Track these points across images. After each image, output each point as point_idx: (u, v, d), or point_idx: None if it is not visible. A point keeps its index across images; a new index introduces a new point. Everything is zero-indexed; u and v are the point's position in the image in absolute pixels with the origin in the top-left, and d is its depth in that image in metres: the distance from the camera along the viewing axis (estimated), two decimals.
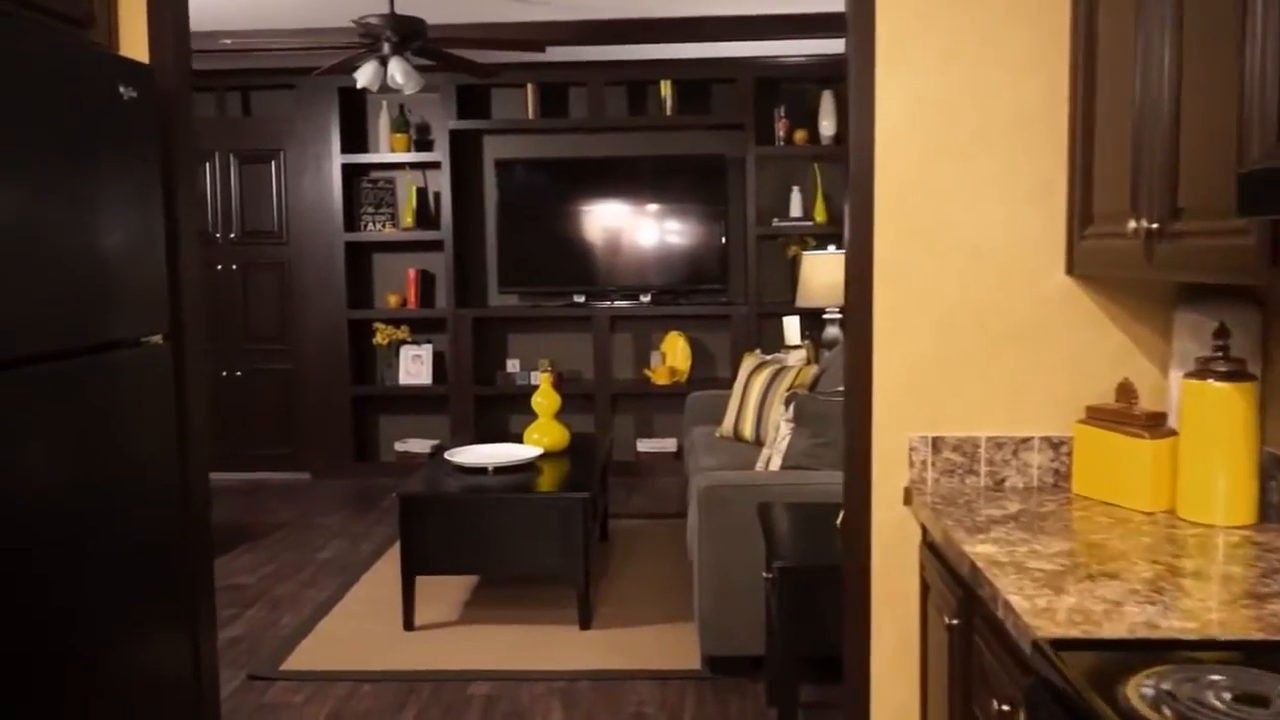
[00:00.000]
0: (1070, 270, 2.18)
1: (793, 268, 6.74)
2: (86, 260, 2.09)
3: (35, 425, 1.95)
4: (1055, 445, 2.22)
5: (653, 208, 6.70)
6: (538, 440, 4.66)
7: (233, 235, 6.76)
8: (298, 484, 6.68)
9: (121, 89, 2.11)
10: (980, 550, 1.78)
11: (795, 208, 6.67)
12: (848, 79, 2.30)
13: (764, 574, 3.18)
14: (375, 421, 7.07)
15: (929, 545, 2.18)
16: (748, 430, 4.90)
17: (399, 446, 6.90)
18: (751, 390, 4.95)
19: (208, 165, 6.73)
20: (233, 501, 6.20)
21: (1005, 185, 2.19)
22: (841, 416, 3.70)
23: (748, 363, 5.14)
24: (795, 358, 5.16)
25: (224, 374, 6.82)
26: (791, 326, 6.07)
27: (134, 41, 2.37)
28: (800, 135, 6.57)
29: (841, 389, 4.14)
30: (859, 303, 2.28)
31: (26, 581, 1.91)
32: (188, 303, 2.46)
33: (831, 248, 5.76)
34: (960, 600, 1.88)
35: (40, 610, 1.95)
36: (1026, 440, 2.22)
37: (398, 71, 4.44)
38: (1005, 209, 2.20)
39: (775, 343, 6.65)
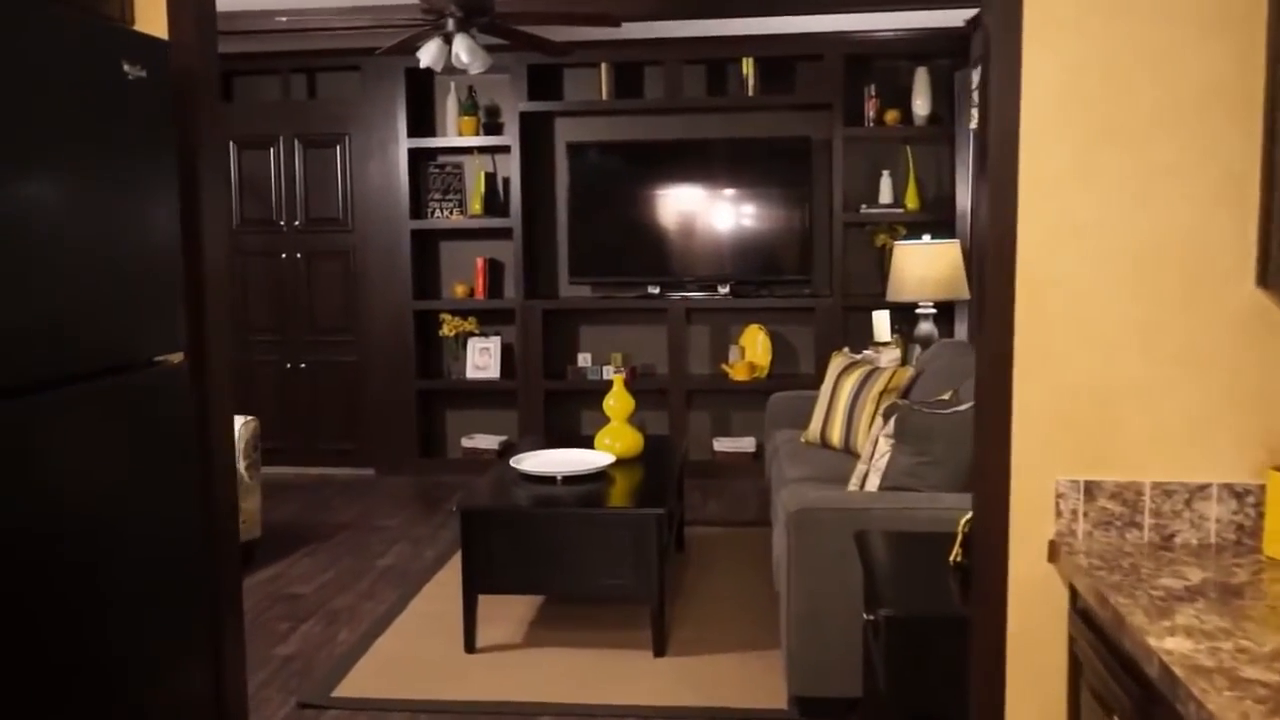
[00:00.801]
0: (1263, 282, 1.77)
1: (881, 258, 6.31)
2: (75, 266, 1.80)
3: (28, 461, 1.67)
4: (1239, 495, 1.82)
5: (732, 193, 6.32)
6: (609, 446, 4.33)
7: (297, 223, 6.54)
8: (361, 481, 6.46)
9: (126, 67, 1.82)
10: (1172, 646, 1.40)
11: (885, 194, 6.23)
12: (987, 45, 1.91)
13: (864, 615, 2.81)
14: (441, 416, 6.82)
15: (1080, 613, 1.80)
16: (836, 436, 4.52)
17: (465, 442, 6.64)
18: (841, 393, 4.57)
19: (271, 151, 6.51)
20: (296, 499, 5.99)
21: (1185, 176, 1.79)
22: (949, 431, 3.33)
23: (836, 362, 4.75)
24: (888, 358, 4.76)
25: (288, 366, 6.62)
26: (881, 322, 5.65)
27: (151, 16, 2.08)
28: (891, 116, 6.13)
29: (945, 397, 3.75)
30: (996, 315, 1.90)
31: (35, 621, 1.64)
32: (213, 312, 2.17)
33: (926, 237, 5.34)
34: (1137, 702, 1.50)
35: (54, 650, 1.68)
36: (1203, 488, 1.82)
37: (463, 50, 4.13)
38: (1185, 206, 1.79)
39: (862, 338, 6.22)
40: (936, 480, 3.23)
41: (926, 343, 5.34)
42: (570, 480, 4.00)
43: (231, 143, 6.52)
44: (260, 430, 6.50)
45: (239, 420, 4.73)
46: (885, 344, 5.57)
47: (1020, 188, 1.86)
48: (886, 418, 3.38)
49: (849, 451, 4.49)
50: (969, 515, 2.55)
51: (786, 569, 3.18)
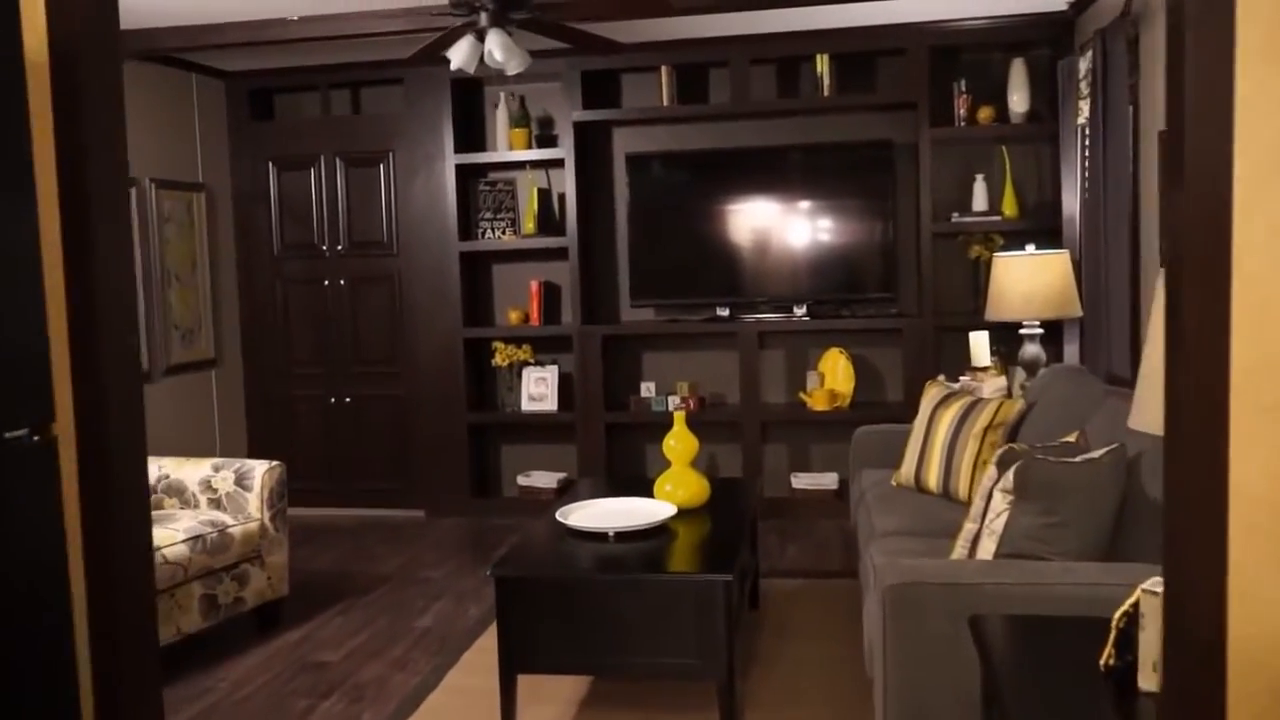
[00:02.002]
0: None
1: (975, 272, 5.67)
2: None
3: None
4: None
5: (807, 205, 5.74)
6: (671, 494, 3.77)
7: (340, 247, 6.13)
8: (410, 524, 5.99)
9: None
10: None
11: (979, 200, 5.60)
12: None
13: None
14: (495, 452, 6.33)
15: None
16: (933, 479, 3.91)
17: (522, 480, 6.14)
18: (938, 429, 3.95)
19: (311, 171, 6.11)
20: (336, 546, 5.54)
21: None
22: (1083, 485, 2.71)
23: (931, 393, 4.14)
24: (991, 387, 4.13)
25: (332, 400, 6.20)
26: (979, 344, 5.01)
27: None
28: (985, 113, 5.50)
29: (1070, 439, 3.12)
30: (1202, 338, 1.31)
31: None
32: (115, 376, 1.68)
33: (1030, 247, 4.69)
34: None
35: None
36: None
37: (496, 47, 3.64)
38: None
39: (957, 362, 5.59)
40: (1068, 546, 2.61)
41: (1032, 368, 4.69)
42: (624, 537, 3.45)
43: (271, 163, 6.14)
44: (288, 475, 6.07)
45: (261, 466, 4.28)
46: (985, 369, 4.93)
47: (1235, 177, 1.27)
48: (1001, 467, 2.77)
49: (948, 497, 3.88)
50: (1128, 604, 1.95)
51: (882, 654, 2.58)
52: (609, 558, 3.33)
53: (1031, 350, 4.72)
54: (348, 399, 6.18)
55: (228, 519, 4.12)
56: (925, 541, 3.45)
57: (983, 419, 3.83)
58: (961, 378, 4.96)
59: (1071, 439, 2.98)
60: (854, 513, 4.30)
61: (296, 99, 6.33)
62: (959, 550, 2.88)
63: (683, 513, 3.73)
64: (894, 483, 4.13)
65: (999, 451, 2.82)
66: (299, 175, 6.13)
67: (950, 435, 3.89)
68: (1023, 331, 4.74)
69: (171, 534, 3.87)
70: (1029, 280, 4.60)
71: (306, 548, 5.53)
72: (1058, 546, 2.61)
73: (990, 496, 2.79)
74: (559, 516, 3.59)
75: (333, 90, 6.20)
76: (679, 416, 3.83)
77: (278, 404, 6.25)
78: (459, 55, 3.74)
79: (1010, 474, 2.64)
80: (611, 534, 3.45)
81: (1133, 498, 2.72)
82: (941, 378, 4.42)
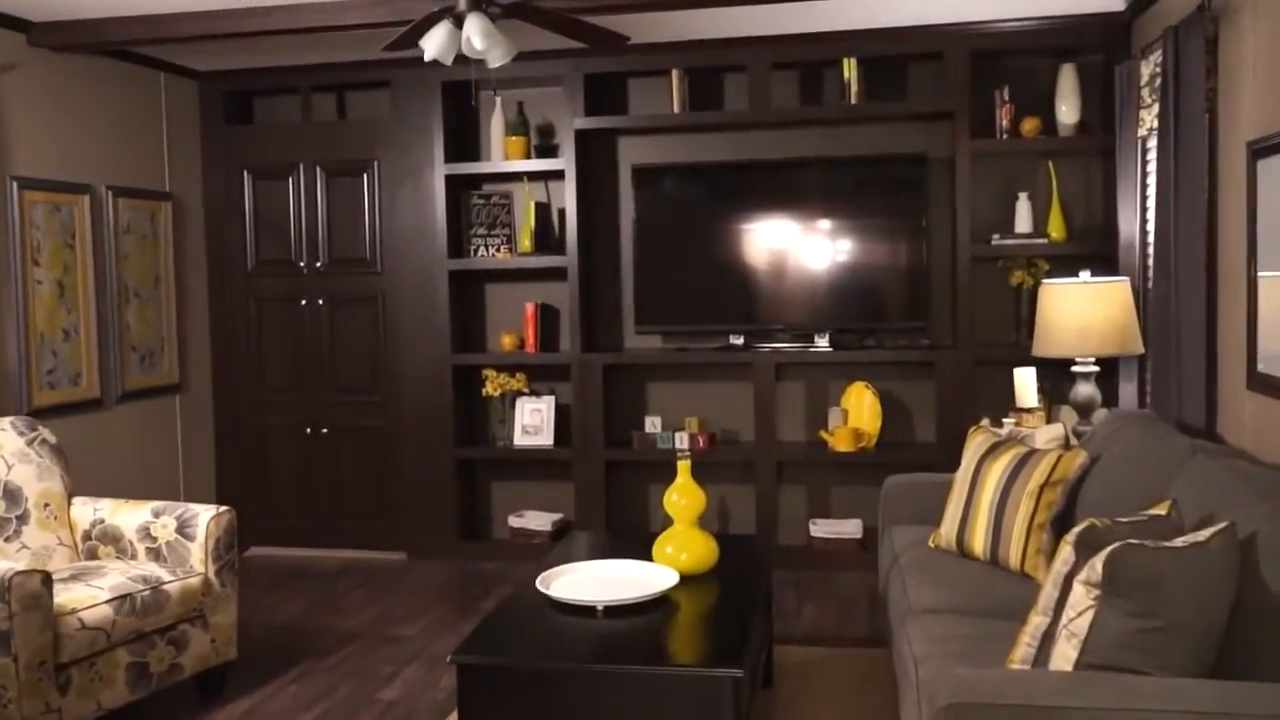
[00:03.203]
0: None
1: (1017, 301, 5.12)
2: None
3: None
4: None
5: (831, 224, 5.21)
6: (672, 557, 3.23)
7: (319, 264, 5.61)
8: (389, 568, 5.45)
9: None
10: None
11: (1022, 221, 5.05)
12: None
13: None
14: (485, 490, 5.79)
15: None
16: (979, 544, 3.35)
17: (514, 521, 5.60)
18: (984, 484, 3.40)
19: (290, 180, 5.61)
20: (305, 594, 5.00)
21: None
22: (1190, 578, 2.12)
23: (976, 441, 3.58)
24: (1047, 435, 3.57)
25: (308, 430, 5.67)
26: (1025, 382, 4.46)
27: None
28: (1030, 125, 4.96)
29: (1159, 512, 2.56)
30: None
31: None
32: None
33: (1085, 274, 4.13)
34: None
35: None
36: None
37: (475, 33, 3.12)
38: None
39: (995, 400, 5.04)
40: (1172, 658, 2.06)
41: (1086, 410, 4.13)
42: (615, 613, 2.90)
43: (246, 172, 5.64)
44: (260, 511, 5.59)
45: (206, 512, 3.75)
46: (1031, 410, 4.37)
47: None
48: (1082, 550, 2.22)
49: (997, 564, 3.32)
50: None
51: None
52: (596, 640, 2.78)
53: (1085, 391, 4.16)
54: (324, 429, 5.65)
55: (164, 574, 3.59)
56: (975, 623, 2.89)
57: (1038, 474, 3.27)
58: (1005, 420, 4.41)
59: (1161, 511, 2.42)
60: (884, 576, 3.74)
61: (276, 102, 5.84)
62: (1024, 648, 2.32)
63: (686, 580, 3.18)
64: (932, 544, 3.57)
65: (1078, 529, 2.27)
66: (276, 185, 5.63)
67: (999, 492, 3.33)
68: (1075, 369, 4.18)
69: (93, 594, 3.34)
70: (1084, 312, 4.04)
71: (273, 594, 4.99)
72: (1159, 658, 2.05)
73: (1066, 585, 2.23)
74: (540, 584, 3.04)
75: (315, 93, 5.70)
76: (683, 467, 3.28)
77: (249, 434, 5.73)
78: (433, 43, 3.22)
79: (1098, 562, 2.08)
80: (600, 608, 2.90)
81: (1248, 594, 2.16)
82: (986, 422, 3.87)
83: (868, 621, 4.43)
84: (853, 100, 5.09)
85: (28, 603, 3.07)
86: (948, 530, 3.50)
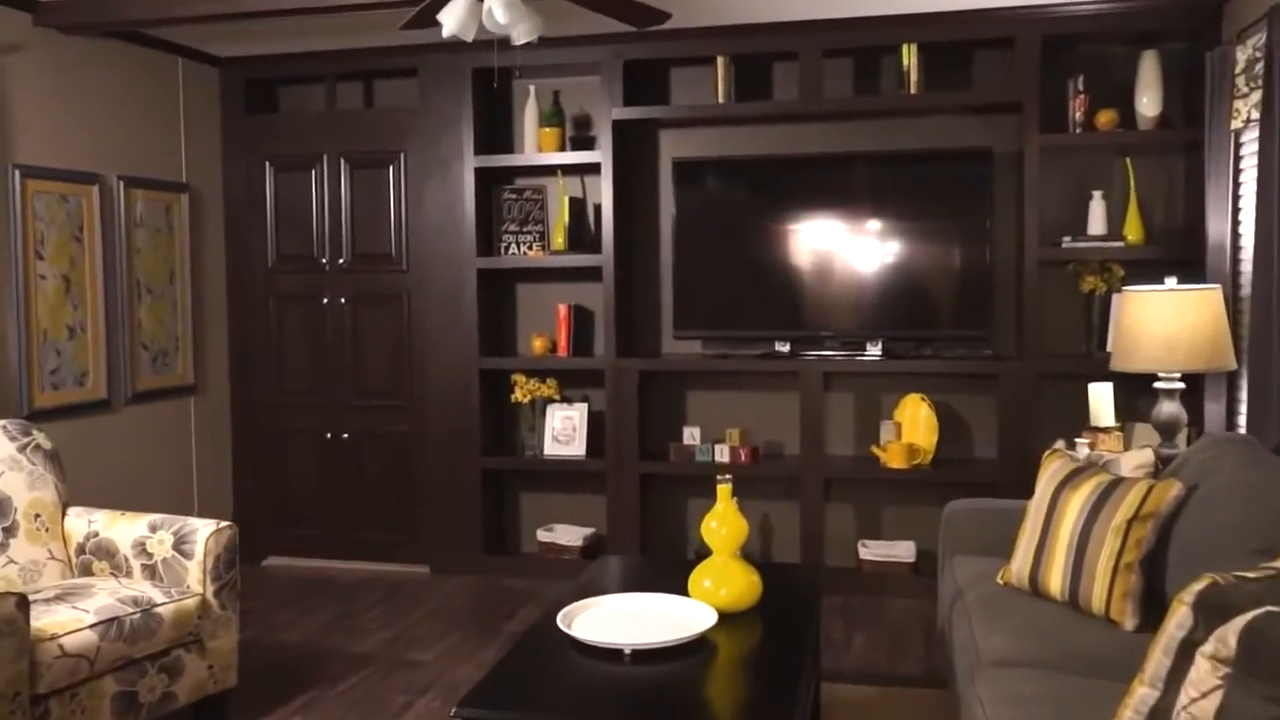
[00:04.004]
0: None
1: (1089, 309, 4.72)
2: None
3: None
4: None
5: (885, 224, 4.84)
6: (710, 592, 2.88)
7: (342, 261, 5.33)
8: (411, 582, 5.15)
9: None
10: None
11: (1095, 222, 4.65)
12: None
13: None
14: (513, 502, 5.48)
15: None
16: (1056, 583, 2.97)
17: (542, 536, 5.28)
18: (1063, 517, 3.02)
19: (313, 172, 5.33)
20: (321, 612, 4.71)
21: None
22: None
23: (1052, 466, 3.21)
24: (1133, 462, 3.18)
25: (328, 436, 5.39)
26: (1101, 399, 4.06)
27: None
28: (1105, 118, 4.56)
29: None
30: None
31: None
32: None
33: (1171, 280, 3.74)
34: None
35: None
36: None
37: (498, 5, 2.79)
38: None
39: (1064, 416, 4.65)
40: None
41: (1170, 431, 3.74)
42: (645, 657, 2.56)
43: (268, 163, 5.37)
44: (281, 520, 5.34)
45: (206, 528, 3.46)
46: (1108, 430, 3.98)
47: None
48: (1203, 613, 1.85)
49: (1076, 607, 2.94)
50: None
51: None
52: (622, 690, 2.44)
53: (1169, 410, 3.76)
54: (345, 435, 5.37)
55: (157, 595, 3.30)
56: (1056, 680, 2.52)
57: (1125, 507, 2.89)
58: (1078, 441, 4.02)
59: None
60: (946, 612, 3.37)
61: (300, 91, 5.57)
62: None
63: (725, 618, 2.83)
64: (1001, 580, 3.20)
65: (1198, 588, 1.90)
66: (298, 177, 5.35)
67: (1080, 525, 2.95)
68: (1158, 385, 3.78)
69: (77, 617, 3.06)
70: (1170, 322, 3.65)
71: (286, 610, 4.71)
72: None
73: (1184, 655, 1.86)
74: (561, 622, 2.71)
75: (341, 82, 5.42)
76: (724, 492, 2.94)
77: (267, 438, 5.46)
78: (452, 17, 2.90)
79: (1230, 634, 1.71)
80: (628, 652, 2.57)
81: None
82: (1060, 444, 3.48)
83: (924, 657, 4.06)
84: (912, 90, 4.71)
85: (0, 629, 2.79)
86: (1020, 566, 3.13)
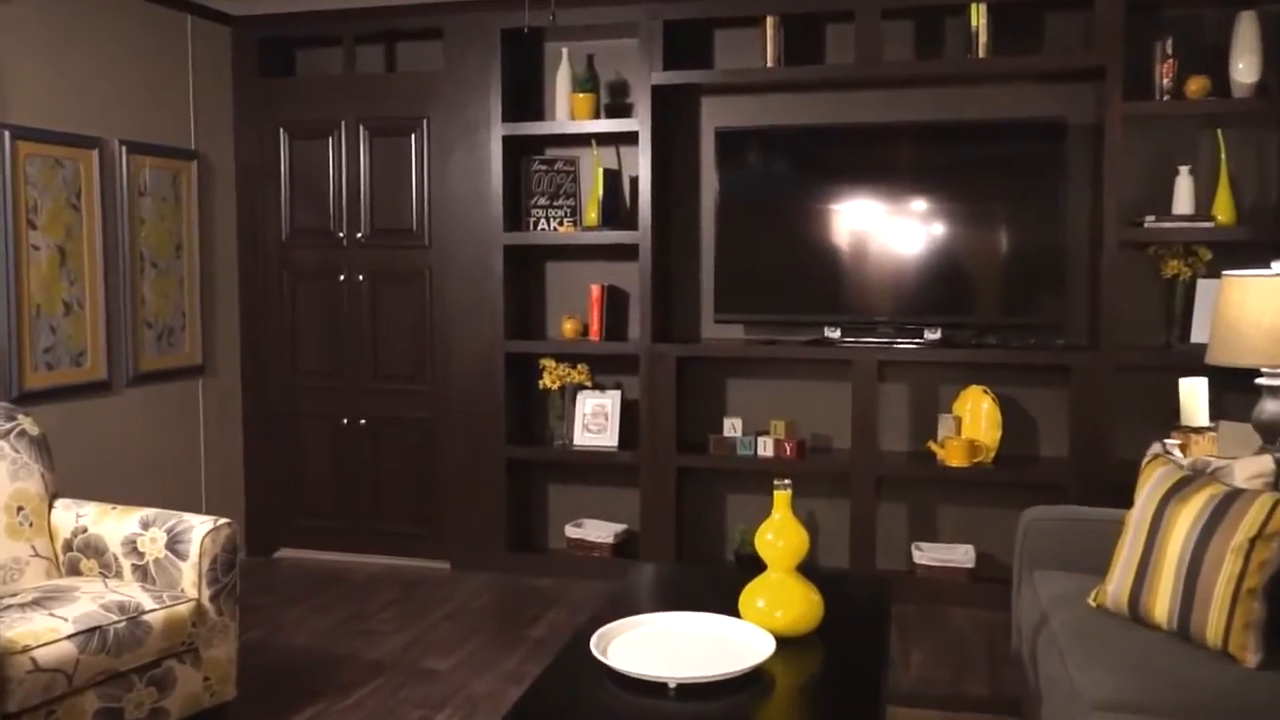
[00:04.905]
0: None
1: (1171, 295, 4.32)
2: None
3: None
4: None
5: (947, 200, 4.44)
6: (765, 614, 2.52)
7: (360, 235, 4.99)
8: (431, 579, 4.83)
9: None
10: None
11: (1182, 200, 4.24)
12: None
13: None
14: (540, 494, 5.13)
15: None
16: (1161, 608, 2.59)
17: (571, 531, 4.93)
18: (1170, 532, 2.63)
19: (330, 140, 4.99)
20: (332, 611, 4.39)
21: None
22: None
23: (1156, 475, 2.82)
24: (1250, 470, 2.79)
25: (344, 421, 5.06)
26: (1195, 395, 3.67)
27: None
28: (1196, 85, 4.13)
29: None
30: None
31: None
32: None
33: (1277, 264, 3.32)
34: None
35: None
36: None
37: None
38: None
39: (1143, 412, 4.26)
40: None
41: (1272, 433, 3.33)
42: (692, 692, 2.21)
43: (282, 130, 5.03)
44: (295, 508, 5.05)
45: (202, 526, 3.13)
46: (1200, 430, 3.58)
47: None
48: None
49: (1188, 638, 2.56)
50: None
51: None
52: None
53: (1273, 408, 3.35)
54: (362, 420, 5.04)
55: (146, 600, 2.98)
56: None
57: (1246, 524, 2.50)
58: (1168, 441, 3.62)
59: None
60: (1025, 635, 3.00)
61: (318, 53, 5.22)
62: None
63: (782, 644, 2.47)
64: (1093, 602, 2.82)
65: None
66: (314, 145, 5.01)
67: (1192, 545, 2.57)
68: (1262, 381, 3.37)
69: (53, 626, 2.74)
70: (1276, 311, 3.24)
71: (297, 607, 4.40)
72: None
73: None
74: (594, 647, 2.36)
75: (361, 45, 5.06)
76: (781, 499, 2.57)
77: (280, 423, 5.14)
78: None
79: None
80: (673, 687, 2.21)
81: None
82: (1160, 446, 3.09)
83: (992, 678, 3.68)
84: (980, 53, 4.30)
85: None
86: (1117, 587, 2.75)
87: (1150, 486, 2.79)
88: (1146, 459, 2.92)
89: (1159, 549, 2.65)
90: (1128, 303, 4.34)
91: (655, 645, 2.42)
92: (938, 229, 4.44)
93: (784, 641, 2.48)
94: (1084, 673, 2.44)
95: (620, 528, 4.92)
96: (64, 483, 4.08)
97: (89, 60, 4.23)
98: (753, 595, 2.56)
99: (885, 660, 2.48)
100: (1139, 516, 2.76)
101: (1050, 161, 4.29)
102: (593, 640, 2.39)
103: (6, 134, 3.81)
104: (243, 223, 5.12)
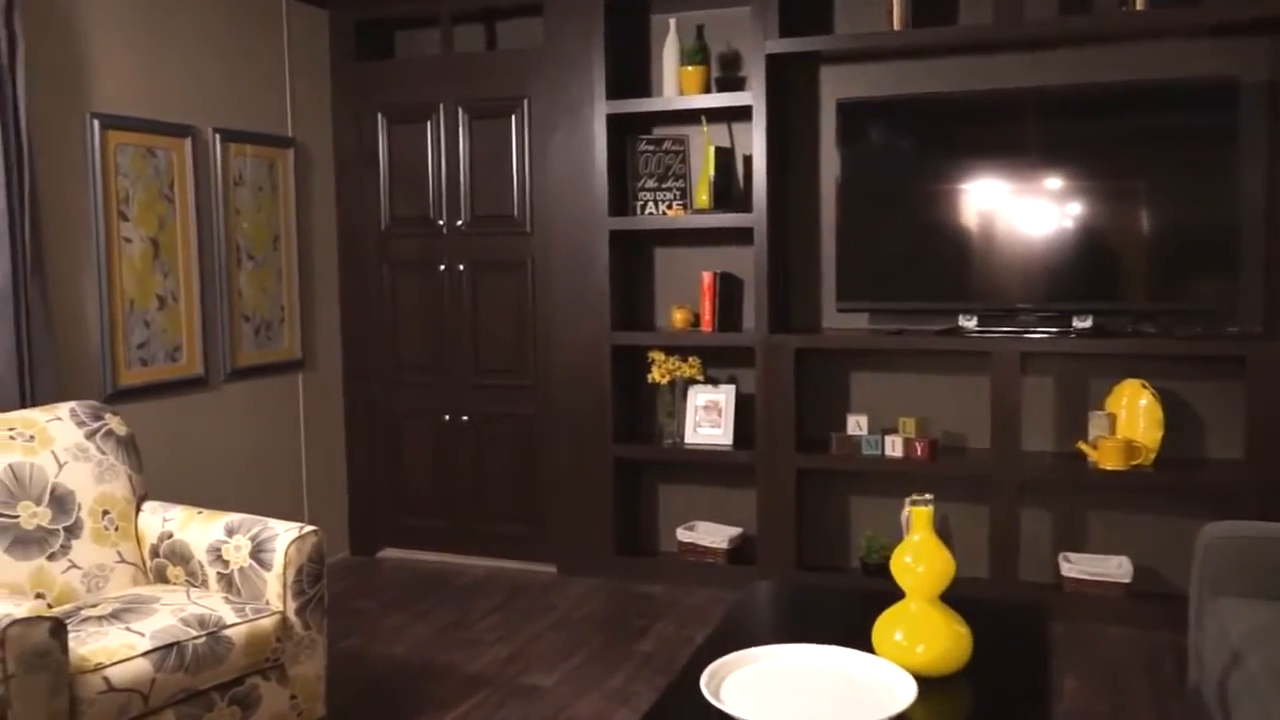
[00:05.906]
0: None
1: None
2: None
3: None
4: None
5: (1098, 174, 3.97)
6: (904, 649, 2.18)
7: (460, 223, 4.77)
8: (536, 583, 4.59)
9: None
10: None
11: None
12: None
13: None
14: (650, 495, 4.85)
15: None
16: None
17: (683, 535, 4.64)
18: None
19: (428, 124, 4.78)
20: (432, 618, 4.18)
21: None
22: None
23: None
24: None
25: (446, 418, 4.86)
26: None
27: None
28: None
29: None
30: None
31: None
32: None
33: None
34: None
35: None
36: None
37: None
38: None
39: None
40: None
41: None
42: None
43: (380, 114, 4.85)
44: (395, 508, 4.89)
45: (288, 533, 2.93)
46: None
47: None
48: None
49: None
50: None
51: None
52: None
53: None
54: (464, 417, 4.83)
55: (228, 613, 2.79)
56: None
57: None
58: None
59: None
60: (1211, 675, 2.57)
61: (416, 35, 5.02)
62: None
63: (924, 685, 2.12)
64: None
65: None
66: (412, 129, 4.81)
67: None
68: None
69: (129, 642, 2.56)
70: None
71: (398, 612, 4.22)
72: None
73: None
74: (706, 687, 2.05)
75: (459, 26, 4.84)
76: (921, 517, 2.21)
77: (382, 420, 4.98)
78: None
79: None
80: None
81: None
82: None
83: (1157, 710, 3.25)
84: (1137, 5, 3.83)
85: (30, 661, 2.31)
86: None
87: None
88: None
89: None
90: None
91: (775, 685, 2.10)
92: (1086, 206, 3.99)
93: (925, 683, 2.14)
94: None
95: (735, 531, 4.60)
96: (163, 482, 3.99)
97: (181, 46, 4.09)
98: (889, 627, 2.22)
99: (1048, 708, 2.11)
100: None
101: (1220, 127, 3.79)
102: (704, 678, 2.08)
103: (96, 123, 3.69)
104: (341, 212, 4.96)
